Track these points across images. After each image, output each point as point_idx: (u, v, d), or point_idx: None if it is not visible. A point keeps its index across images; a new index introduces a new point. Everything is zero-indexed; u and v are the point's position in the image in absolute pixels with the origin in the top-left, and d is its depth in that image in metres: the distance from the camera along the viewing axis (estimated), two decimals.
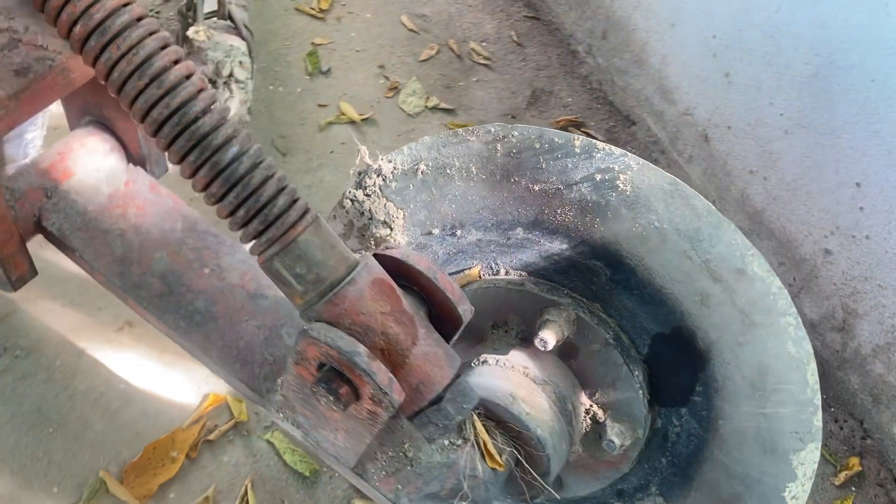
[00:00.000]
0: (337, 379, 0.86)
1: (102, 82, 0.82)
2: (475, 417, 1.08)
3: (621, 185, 1.07)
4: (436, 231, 1.23)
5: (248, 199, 0.83)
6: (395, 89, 2.26)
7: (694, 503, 1.22)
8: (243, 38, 1.82)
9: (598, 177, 1.08)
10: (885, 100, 1.59)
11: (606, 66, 2.39)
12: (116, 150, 1.19)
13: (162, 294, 1.10)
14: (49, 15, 0.81)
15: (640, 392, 1.15)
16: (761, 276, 1.04)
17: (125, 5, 0.79)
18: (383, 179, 1.23)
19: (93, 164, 1.16)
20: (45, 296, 1.66)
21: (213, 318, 1.09)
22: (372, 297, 0.86)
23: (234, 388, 1.10)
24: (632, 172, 1.06)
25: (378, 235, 1.27)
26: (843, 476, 1.72)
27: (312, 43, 2.33)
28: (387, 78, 2.29)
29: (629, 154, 1.07)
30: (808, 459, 1.10)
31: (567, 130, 2.29)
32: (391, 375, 0.84)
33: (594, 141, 1.07)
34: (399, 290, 0.90)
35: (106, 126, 1.18)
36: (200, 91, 0.82)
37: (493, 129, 1.14)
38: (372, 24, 2.44)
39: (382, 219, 1.26)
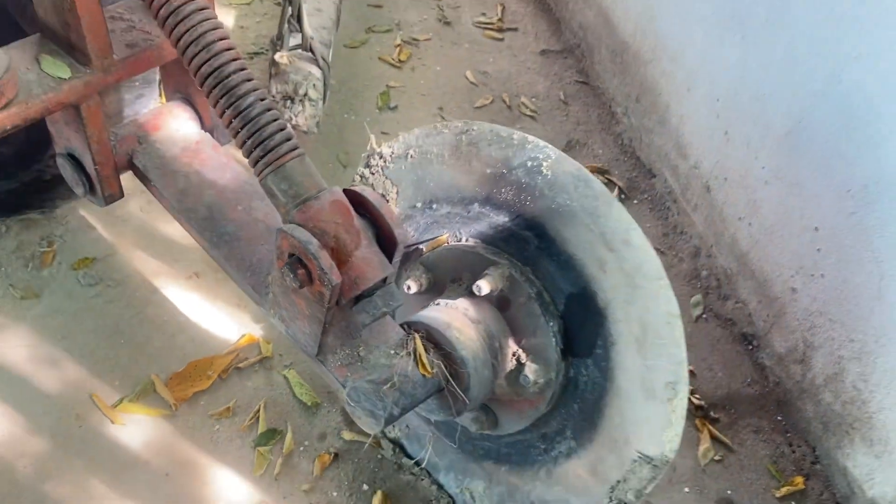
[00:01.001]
0: (297, 264, 1.22)
1: (175, 49, 1.25)
2: (416, 336, 1.41)
3: (545, 171, 1.39)
4: (419, 204, 1.59)
5: (255, 134, 1.23)
6: None
7: (597, 446, 1.48)
8: (319, 68, 2.28)
9: (529, 163, 1.41)
10: (835, 155, 1.84)
11: (637, 126, 2.71)
12: (194, 119, 1.63)
13: (205, 218, 1.50)
14: (148, 8, 1.25)
15: (554, 340, 1.44)
16: (642, 245, 1.33)
17: (195, 1, 1.23)
18: (384, 161, 1.61)
19: (175, 125, 1.60)
20: (138, 246, 2.12)
21: (238, 239, 1.49)
22: (330, 211, 1.23)
23: (244, 291, 1.48)
24: (551, 161, 1.39)
25: None
26: (784, 490, 1.89)
27: (387, 85, 2.79)
28: (443, 118, 2.70)
29: (550, 146, 1.39)
30: (679, 406, 1.35)
31: None
32: (332, 263, 1.19)
33: (527, 136, 1.41)
34: (353, 212, 1.26)
35: (189, 101, 1.63)
36: (236, 59, 1.24)
37: (459, 125, 1.49)
38: (440, 75, 2.88)
39: (382, 192, 1.64)
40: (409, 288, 1.57)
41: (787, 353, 2.06)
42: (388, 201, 1.61)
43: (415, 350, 1.39)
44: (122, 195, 1.56)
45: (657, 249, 2.36)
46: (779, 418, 2.05)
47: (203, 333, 1.97)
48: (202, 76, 1.23)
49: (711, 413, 2.02)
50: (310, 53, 2.27)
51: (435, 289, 1.59)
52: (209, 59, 1.22)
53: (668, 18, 2.48)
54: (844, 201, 1.82)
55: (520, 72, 2.96)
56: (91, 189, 1.52)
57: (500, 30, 3.14)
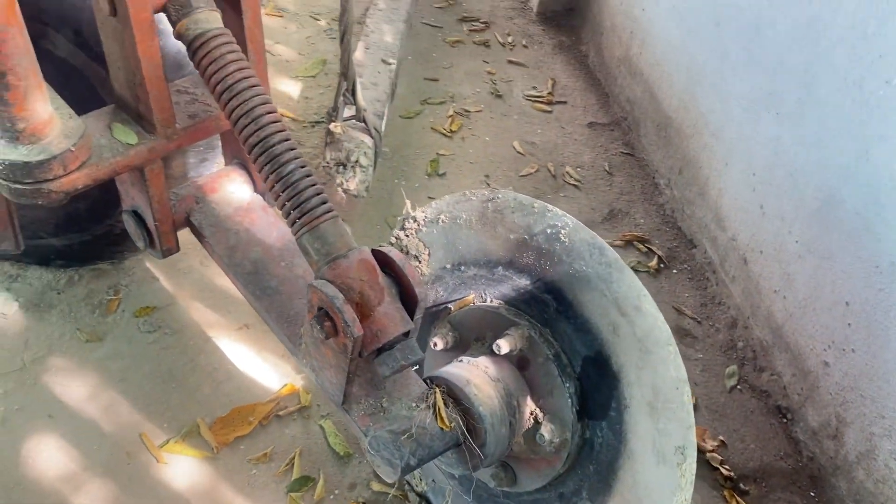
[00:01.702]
0: (325, 317, 1.32)
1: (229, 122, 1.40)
2: (437, 390, 1.49)
3: (563, 238, 1.48)
4: (448, 266, 1.69)
5: (293, 198, 1.35)
6: None
7: None
8: (371, 137, 2.44)
9: (549, 231, 1.49)
10: (864, 232, 1.86)
11: (679, 197, 2.77)
12: (247, 182, 1.79)
13: (250, 272, 1.64)
14: (206, 84, 1.41)
15: (570, 401, 1.50)
16: (652, 312, 1.39)
17: (246, 78, 1.38)
18: (417, 224, 1.72)
19: (230, 188, 1.76)
20: (195, 297, 2.28)
21: (278, 293, 1.61)
22: (357, 269, 1.34)
23: (282, 341, 1.59)
24: (569, 229, 1.47)
25: None
26: None
27: (437, 153, 2.93)
28: (488, 185, 2.82)
29: (568, 215, 1.48)
30: (688, 471, 1.39)
31: (632, 245, 2.67)
32: (355, 317, 1.29)
33: (546, 204, 1.50)
34: (379, 271, 1.37)
35: (244, 166, 1.79)
36: (280, 131, 1.38)
37: (486, 193, 1.60)
38: (489, 145, 3.01)
39: (415, 254, 1.74)
40: (435, 345, 1.66)
41: (821, 428, 2.05)
42: (419, 262, 1.72)
43: (434, 404, 1.47)
44: (178, 249, 1.71)
45: (694, 319, 2.41)
46: (812, 494, 2.02)
47: (248, 381, 2.09)
48: (250, 145, 1.37)
49: (741, 485, 2.01)
50: (363, 124, 2.43)
51: (460, 346, 1.67)
52: (256, 131, 1.36)
53: (709, 95, 2.56)
54: (873, 277, 1.84)
55: (566, 143, 3.07)
56: (151, 243, 1.68)
57: (549, 103, 3.27)
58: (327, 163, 2.42)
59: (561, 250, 1.48)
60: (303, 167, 1.37)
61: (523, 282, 1.56)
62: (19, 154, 1.34)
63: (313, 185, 1.37)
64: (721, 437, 2.12)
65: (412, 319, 1.40)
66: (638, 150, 3.06)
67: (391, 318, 1.35)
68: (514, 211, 1.55)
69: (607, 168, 2.97)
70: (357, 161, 2.40)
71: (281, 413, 2.02)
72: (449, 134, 3.03)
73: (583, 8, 3.65)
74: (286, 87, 3.19)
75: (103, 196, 1.95)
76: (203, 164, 2.05)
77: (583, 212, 2.77)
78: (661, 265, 2.60)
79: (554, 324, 1.53)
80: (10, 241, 1.76)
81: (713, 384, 2.26)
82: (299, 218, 1.36)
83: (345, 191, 2.41)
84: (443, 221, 1.67)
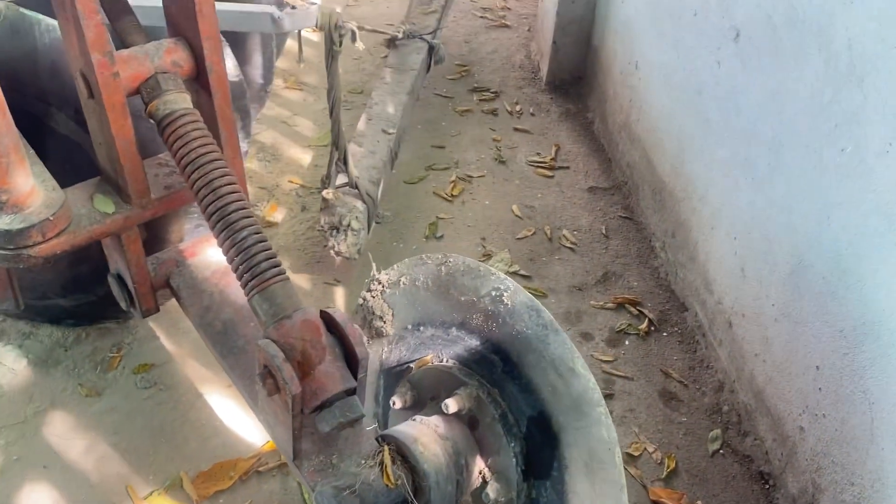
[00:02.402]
0: (268, 375, 1.40)
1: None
2: (385, 447, 1.55)
3: (506, 300, 1.54)
4: (409, 327, 1.76)
5: (245, 262, 1.46)
6: (487, 256, 2.85)
7: None
8: (364, 202, 2.55)
9: (494, 293, 1.56)
10: (829, 294, 1.87)
11: (672, 260, 2.80)
12: None
13: (219, 332, 1.74)
14: (174, 157, 1.54)
15: (515, 461, 1.53)
16: (584, 374, 1.43)
17: (207, 153, 1.50)
18: (382, 286, 1.80)
19: (210, 252, 1.87)
20: (192, 355, 2.39)
21: (244, 352, 1.70)
22: (300, 328, 1.42)
23: (244, 397, 1.67)
24: (510, 291, 1.53)
25: (376, 326, 1.82)
26: None
27: (437, 216, 3.03)
28: (484, 247, 2.90)
29: (509, 278, 1.54)
30: None
31: (623, 307, 2.70)
32: (294, 375, 1.37)
33: (490, 268, 1.57)
34: (324, 331, 1.45)
35: None
36: (237, 200, 1.49)
37: (439, 257, 1.67)
38: (487, 209, 3.10)
39: (380, 314, 1.82)
40: (394, 403, 1.72)
41: (799, 495, 2.02)
42: (384, 322, 1.80)
43: (381, 461, 1.53)
44: (157, 310, 1.83)
45: (681, 382, 2.42)
46: None
47: (233, 437, 2.17)
48: (209, 214, 1.48)
49: None
50: (355, 190, 2.55)
51: (418, 405, 1.73)
52: (214, 200, 1.47)
53: (695, 161, 2.61)
54: (839, 341, 1.84)
55: (565, 206, 3.14)
56: (132, 303, 1.80)
57: (551, 168, 3.35)
58: (321, 227, 2.54)
59: (504, 312, 1.54)
60: (256, 233, 1.48)
61: (474, 342, 1.62)
62: (2, 223, 1.48)
63: (265, 249, 1.47)
64: (699, 503, 2.11)
65: (355, 378, 1.47)
66: (636, 213, 3.11)
67: (331, 376, 1.42)
68: (464, 274, 1.62)
69: (604, 231, 3.02)
70: (349, 225, 2.51)
71: (261, 469, 2.09)
72: (450, 198, 3.13)
73: (589, 77, 3.76)
74: (299, 156, 3.35)
75: (104, 259, 2.09)
76: (197, 230, 2.18)
77: (576, 274, 2.82)
78: (652, 328, 2.62)
79: (502, 384, 1.58)
80: (11, 301, 1.91)
81: (695, 448, 2.25)
82: (250, 280, 1.46)
83: (337, 253, 2.52)
84: (404, 283, 1.75)
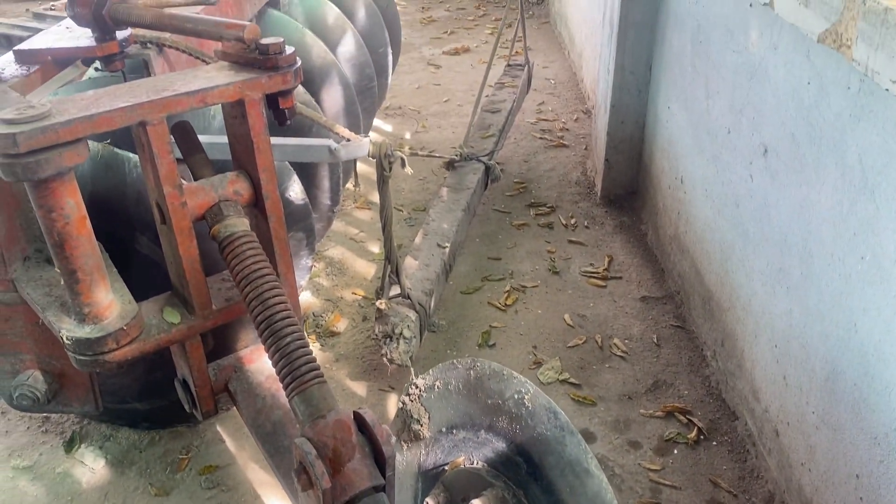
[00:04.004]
0: (302, 470, 1.53)
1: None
2: None
3: (527, 403, 1.64)
4: (444, 429, 1.86)
5: (287, 366, 1.62)
6: (538, 364, 2.93)
7: None
8: (416, 311, 2.71)
9: (516, 396, 1.66)
10: (862, 401, 1.88)
11: (723, 369, 2.81)
12: None
13: (269, 433, 1.88)
14: (230, 273, 1.75)
15: None
16: (598, 474, 1.50)
17: (259, 269, 1.70)
18: (419, 390, 1.93)
19: (265, 360, 2.05)
20: (253, 458, 2.54)
21: (290, 452, 1.84)
22: (333, 428, 1.55)
23: (288, 495, 1.80)
24: (530, 394, 1.63)
25: (414, 429, 1.93)
26: None
27: (490, 325, 3.15)
28: (535, 355, 2.98)
29: (529, 382, 1.65)
30: None
31: (673, 416, 2.71)
32: (324, 471, 1.49)
33: (512, 371, 1.68)
34: (355, 430, 1.57)
35: None
36: (283, 311, 1.67)
37: (468, 361, 1.79)
38: (540, 318, 3.21)
39: (417, 417, 1.93)
40: None
41: None
42: (421, 425, 1.91)
43: None
44: (216, 412, 2.00)
45: (731, 492, 2.40)
46: None
47: None
48: (257, 323, 1.67)
49: None
50: (408, 300, 2.72)
51: None
52: (263, 311, 1.66)
53: (738, 271, 2.67)
54: (874, 449, 1.83)
55: (617, 316, 3.21)
56: (194, 405, 1.98)
57: (604, 278, 3.45)
58: (376, 335, 2.70)
59: (526, 414, 1.64)
60: (299, 340, 1.65)
61: (501, 444, 1.71)
62: (83, 332, 1.70)
63: (306, 354, 1.63)
64: None
65: (383, 475, 1.58)
66: (688, 322, 3.15)
67: (359, 473, 1.53)
68: (490, 378, 1.74)
69: (656, 340, 3.07)
70: (401, 333, 2.66)
71: None
72: (503, 307, 3.26)
73: (642, 191, 3.89)
74: (364, 269, 3.58)
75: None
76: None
77: (626, 382, 2.86)
78: (701, 437, 2.62)
79: (526, 485, 1.66)
80: (91, 403, 2.12)
81: None
82: (291, 383, 1.61)
83: (390, 360, 2.66)
84: (438, 387, 1.87)
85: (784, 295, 2.30)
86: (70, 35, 2.16)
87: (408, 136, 4.94)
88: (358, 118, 3.50)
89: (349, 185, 4.10)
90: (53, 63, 2.10)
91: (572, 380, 2.87)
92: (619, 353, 3.00)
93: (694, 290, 3.12)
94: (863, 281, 1.87)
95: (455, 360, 1.82)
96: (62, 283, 1.69)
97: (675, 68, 3.33)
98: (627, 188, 4.00)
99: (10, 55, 2.09)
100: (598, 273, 3.48)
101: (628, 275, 3.48)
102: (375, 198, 4.15)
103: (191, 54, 2.24)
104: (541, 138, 4.80)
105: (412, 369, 1.91)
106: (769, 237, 2.39)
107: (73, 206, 1.56)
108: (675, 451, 2.57)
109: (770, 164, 2.37)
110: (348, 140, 2.33)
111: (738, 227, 2.64)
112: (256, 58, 1.73)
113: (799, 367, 2.22)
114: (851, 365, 1.93)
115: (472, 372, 1.78)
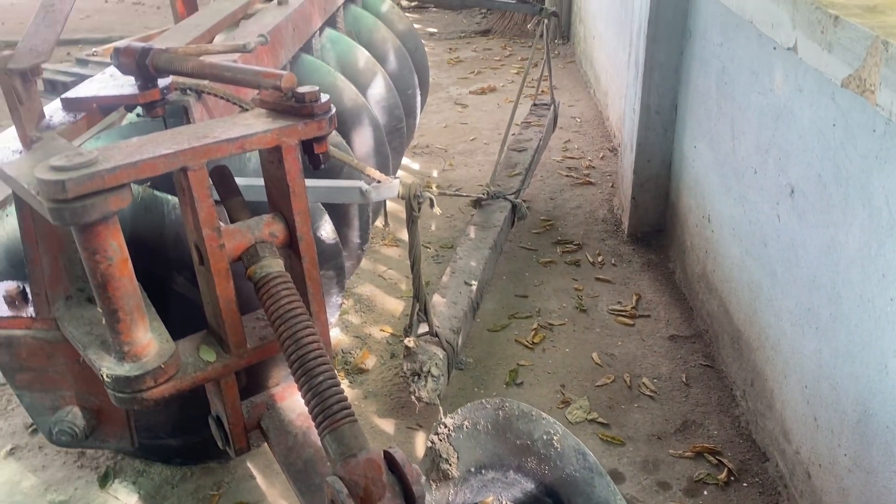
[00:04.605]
0: None
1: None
2: None
3: (556, 444, 1.65)
4: (472, 469, 1.88)
5: (319, 405, 1.65)
6: (566, 403, 2.93)
7: None
8: (444, 349, 2.74)
9: (545, 437, 1.67)
10: (895, 443, 1.86)
11: (753, 409, 2.79)
12: None
13: (300, 470, 1.91)
14: (265, 313, 1.79)
15: None
16: None
17: (292, 309, 1.75)
18: (448, 430, 1.95)
19: (298, 396, 2.09)
20: (282, 496, 2.56)
21: (321, 490, 1.87)
22: (364, 467, 1.58)
23: None
24: (559, 435, 1.64)
25: (443, 469, 1.95)
26: None
27: (518, 363, 3.17)
28: (563, 394, 2.99)
29: (558, 423, 1.66)
30: None
31: (702, 456, 2.69)
32: None
33: (541, 412, 1.69)
34: (385, 469, 1.59)
35: None
36: (315, 350, 1.71)
37: (497, 401, 1.81)
38: (568, 356, 3.21)
39: (446, 457, 1.95)
40: None
41: None
42: (450, 465, 1.92)
43: None
44: (249, 449, 2.03)
45: None
46: None
47: None
48: (291, 361, 1.70)
49: None
50: (435, 338, 2.75)
51: None
52: (296, 350, 1.70)
53: (766, 310, 2.66)
54: None
55: (645, 354, 3.21)
56: (227, 442, 2.01)
57: (632, 316, 3.45)
58: (404, 373, 2.73)
59: (555, 456, 1.65)
60: (330, 378, 1.68)
61: (530, 485, 1.72)
62: (123, 370, 1.75)
63: (337, 393, 1.67)
64: None
65: None
66: (717, 361, 3.13)
67: None
68: (519, 418, 1.75)
69: (685, 380, 3.05)
70: (429, 371, 2.69)
71: None
72: (531, 346, 3.27)
73: (669, 229, 3.91)
74: (393, 306, 3.62)
75: (208, 403, 2.35)
76: (289, 377, 2.41)
77: (655, 423, 2.85)
78: (731, 478, 2.59)
79: None
80: (127, 439, 2.17)
81: None
82: (322, 421, 1.65)
83: (418, 398, 2.68)
84: (466, 427, 1.89)
85: (813, 335, 2.29)
86: (114, 83, 2.25)
87: (435, 174, 5.01)
88: (387, 158, 3.57)
89: (378, 223, 4.17)
90: (98, 110, 2.19)
91: (601, 419, 2.87)
92: (647, 393, 3.00)
93: (723, 329, 3.11)
94: (892, 323, 1.86)
95: (484, 400, 1.85)
96: (103, 321, 1.75)
97: (700, 108, 3.36)
98: (654, 226, 4.01)
99: (57, 102, 2.18)
100: (626, 311, 3.49)
101: (656, 313, 3.48)
102: (404, 235, 4.21)
103: (228, 100, 2.32)
104: (567, 176, 4.84)
105: (440, 408, 1.93)
106: (797, 277, 2.39)
107: (116, 248, 1.62)
108: (706, 493, 2.55)
109: (797, 205, 2.38)
110: (379, 182, 2.38)
111: (766, 266, 2.64)
112: (293, 105, 1.79)
113: (830, 409, 2.20)
114: (883, 407, 1.91)
115: (500, 412, 1.80)
